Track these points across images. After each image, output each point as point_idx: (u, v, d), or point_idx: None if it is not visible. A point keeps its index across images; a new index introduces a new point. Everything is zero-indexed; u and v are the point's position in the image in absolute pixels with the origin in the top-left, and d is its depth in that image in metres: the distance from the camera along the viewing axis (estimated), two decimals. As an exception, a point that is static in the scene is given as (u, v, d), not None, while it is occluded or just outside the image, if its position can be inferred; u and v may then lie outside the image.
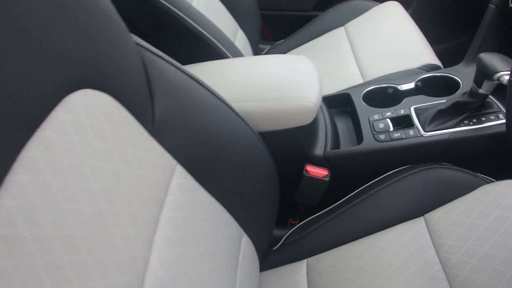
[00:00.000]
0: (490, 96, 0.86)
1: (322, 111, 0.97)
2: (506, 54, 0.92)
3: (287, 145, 0.88)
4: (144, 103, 0.56)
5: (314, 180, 0.85)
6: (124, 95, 0.51)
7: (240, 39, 1.33)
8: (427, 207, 0.82)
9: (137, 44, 0.58)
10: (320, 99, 0.83)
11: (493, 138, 0.85)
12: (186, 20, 0.92)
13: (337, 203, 0.89)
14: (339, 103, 1.04)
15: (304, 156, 0.89)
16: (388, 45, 1.20)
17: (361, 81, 1.13)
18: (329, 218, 0.86)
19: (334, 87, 1.15)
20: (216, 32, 0.97)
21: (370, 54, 1.20)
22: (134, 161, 0.50)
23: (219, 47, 0.96)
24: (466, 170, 0.84)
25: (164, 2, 0.90)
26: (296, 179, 0.88)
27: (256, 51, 1.43)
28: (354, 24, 1.34)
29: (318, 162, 0.89)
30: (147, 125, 0.55)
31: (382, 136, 0.89)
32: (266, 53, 1.45)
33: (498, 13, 0.94)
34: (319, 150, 0.90)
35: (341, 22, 1.37)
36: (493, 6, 0.95)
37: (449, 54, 1.53)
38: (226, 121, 0.69)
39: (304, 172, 0.85)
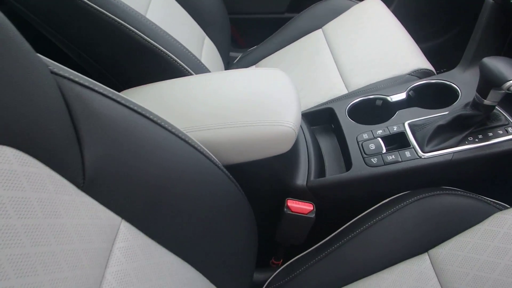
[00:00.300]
0: (496, 107, 0.73)
1: (302, 131, 0.83)
2: (507, 56, 0.80)
3: (263, 178, 0.74)
4: (69, 152, 0.42)
5: (297, 217, 0.71)
6: (39, 148, 0.37)
7: (207, 48, 1.19)
8: (432, 241, 0.69)
9: (54, 73, 0.44)
10: (299, 121, 0.69)
11: (504, 157, 0.72)
12: (138, 35, 0.77)
13: (326, 239, 0.76)
14: (321, 120, 0.91)
15: (284, 189, 0.75)
16: (372, 48, 1.07)
17: (344, 91, 1.00)
18: (317, 259, 0.73)
19: (315, 99, 1.02)
20: (174, 46, 0.82)
21: (353, 59, 1.06)
22: (72, 233, 0.38)
23: (178, 63, 0.82)
24: (474, 195, 0.72)
25: (112, 16, 0.75)
26: (277, 215, 0.74)
27: (227, 60, 1.29)
28: (332, 26, 1.21)
29: (301, 194, 0.76)
30: (77, 180, 0.42)
31: (374, 160, 0.75)
32: (239, 62, 1.31)
33: (497, 9, 0.82)
34: (301, 180, 0.76)
35: (318, 23, 1.23)
36: (491, 1, 0.82)
37: (436, 53, 1.41)
38: (181, 159, 0.55)
39: (285, 209, 0.71)
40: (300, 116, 0.70)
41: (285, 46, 1.24)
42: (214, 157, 0.62)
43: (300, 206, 0.71)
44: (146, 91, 0.74)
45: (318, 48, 1.16)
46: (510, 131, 0.73)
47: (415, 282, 0.66)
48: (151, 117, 0.53)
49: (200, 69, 0.86)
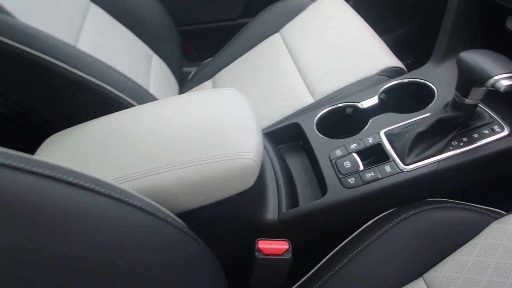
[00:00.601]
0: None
1: (267, 154, 0.73)
2: (481, 47, 0.72)
3: (227, 219, 0.63)
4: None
5: (272, 260, 0.61)
6: None
7: (156, 67, 1.07)
8: (425, 263, 0.62)
9: None
10: (261, 149, 0.59)
11: (493, 159, 0.64)
12: (62, 67, 0.66)
13: (308, 275, 0.66)
14: (288, 137, 0.81)
15: (253, 227, 0.65)
16: (335, 49, 0.98)
17: (310, 100, 0.91)
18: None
19: (279, 111, 0.92)
20: (108, 75, 0.71)
21: (316, 63, 0.97)
22: None
23: (114, 94, 0.70)
24: (465, 205, 0.64)
25: (28, 49, 0.63)
26: (249, 258, 0.64)
27: (180, 77, 1.17)
28: (290, 28, 1.11)
29: (273, 229, 0.66)
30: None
31: (351, 180, 0.66)
32: (194, 77, 1.20)
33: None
34: (271, 214, 0.66)
35: (275, 27, 1.14)
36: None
37: (401, 44, 1.34)
38: (114, 225, 0.44)
39: (257, 253, 0.61)
40: (261, 143, 0.60)
41: (242, 55, 1.14)
42: (162, 208, 0.52)
43: (273, 247, 0.61)
44: (75, 135, 0.62)
45: (277, 54, 1.07)
46: (497, 130, 0.65)
47: (415, 316, 0.58)
48: (69, 179, 0.42)
49: (143, 97, 0.75)
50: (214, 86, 1.11)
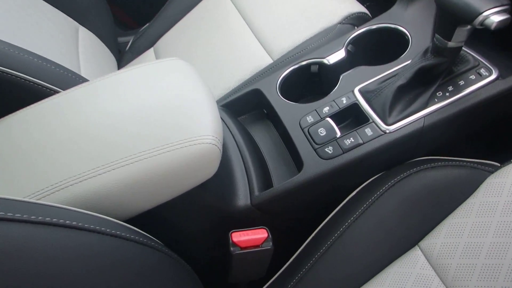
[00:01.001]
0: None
1: (229, 130, 0.63)
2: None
3: (192, 215, 0.53)
4: None
5: (250, 254, 0.52)
6: None
7: (85, 41, 0.92)
8: (420, 230, 0.56)
9: None
10: (220, 128, 0.49)
11: (483, 107, 0.57)
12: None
13: (293, 259, 0.58)
14: (249, 105, 0.70)
15: (224, 219, 0.56)
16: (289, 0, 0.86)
17: (268, 60, 0.80)
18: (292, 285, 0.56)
19: (234, 77, 0.81)
20: (19, 60, 0.56)
21: (270, 18, 0.85)
22: None
23: (31, 83, 0.56)
24: (456, 161, 0.57)
25: None
26: (225, 252, 0.54)
27: (115, 49, 1.02)
28: (235, -20, 0.98)
29: (248, 218, 0.56)
30: None
31: (329, 150, 0.57)
32: (132, 47, 1.04)
33: None
34: (242, 200, 0.56)
35: (217, -19, 0.99)
36: None
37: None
38: (34, 258, 0.33)
39: (232, 248, 0.51)
40: (219, 121, 0.49)
41: (184, 17, 1.00)
42: (108, 218, 0.41)
43: (250, 238, 0.52)
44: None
45: (223, 12, 0.93)
46: (484, 74, 0.58)
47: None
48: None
49: (69, 81, 0.61)
50: (157, 55, 0.97)
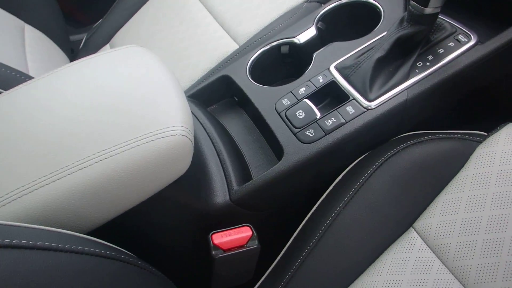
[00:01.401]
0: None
1: (199, 122, 0.57)
2: None
3: (164, 220, 0.48)
4: None
5: (235, 256, 0.47)
6: None
7: (32, 40, 0.84)
8: (414, 210, 0.53)
9: None
10: (190, 117, 0.43)
11: (466, 74, 0.54)
12: None
13: (282, 254, 0.54)
14: (218, 94, 0.65)
15: (202, 220, 0.50)
16: (250, -20, 0.81)
17: (234, 46, 0.75)
18: (282, 286, 0.51)
19: (199, 67, 0.75)
20: None
21: (231, 1, 0.80)
22: None
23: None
24: (443, 134, 0.54)
25: None
26: (207, 259, 0.49)
27: (67, 48, 0.94)
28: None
29: (228, 216, 0.51)
30: None
31: (310, 133, 0.53)
32: (86, 45, 0.97)
33: None
34: (221, 196, 0.51)
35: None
36: None
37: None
38: None
39: (214, 251, 0.46)
40: (189, 110, 0.44)
41: (139, 9, 0.93)
42: (63, 231, 0.35)
43: (233, 238, 0.47)
44: None
45: (183, 0, 0.87)
46: (463, 40, 0.55)
47: (415, 274, 0.48)
48: None
49: (13, 81, 0.54)
50: (113, 51, 0.90)
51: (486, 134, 0.53)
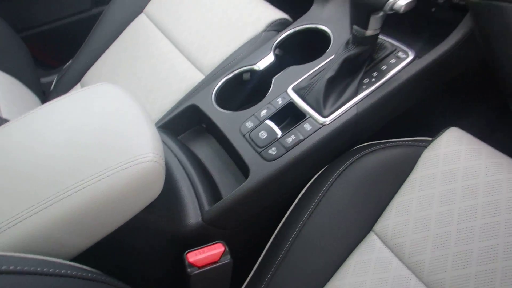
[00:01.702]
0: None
1: (170, 150, 0.61)
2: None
3: (139, 244, 0.50)
4: None
5: (209, 271, 0.50)
6: None
7: (4, 85, 0.86)
8: (372, 214, 0.57)
9: None
10: (160, 144, 0.47)
11: (407, 86, 0.60)
12: None
13: (255, 269, 0.57)
14: (187, 123, 0.69)
15: (176, 241, 0.53)
16: (211, 14, 0.87)
17: (200, 76, 0.79)
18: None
19: (168, 99, 0.79)
20: None
21: (195, 35, 0.86)
22: None
23: None
24: (393, 142, 0.59)
25: None
26: (183, 278, 0.52)
27: (38, 91, 0.97)
28: (155, 4, 0.97)
29: (202, 235, 0.55)
30: None
31: (272, 151, 0.57)
32: (57, 86, 1.00)
33: None
34: (193, 218, 0.54)
35: (137, 7, 0.99)
36: None
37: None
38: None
39: (189, 269, 0.49)
40: (159, 138, 0.48)
41: (107, 48, 0.97)
42: (46, 258, 0.37)
43: (206, 255, 0.50)
44: None
45: (148, 37, 0.92)
46: (402, 56, 0.62)
47: (376, 274, 0.52)
48: None
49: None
50: (85, 90, 0.93)
51: (430, 139, 0.59)
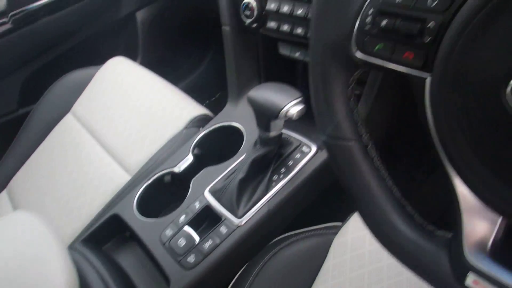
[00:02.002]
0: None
1: (92, 267, 0.61)
2: (267, 75, 0.74)
3: None
4: None
5: None
6: None
7: None
8: None
9: None
10: (72, 276, 0.48)
11: (314, 178, 0.65)
12: None
13: None
14: (111, 232, 0.70)
15: None
16: (136, 113, 0.90)
17: (126, 177, 0.81)
18: None
19: (93, 203, 0.79)
20: None
21: (121, 135, 0.88)
22: None
23: None
24: (305, 232, 0.63)
25: None
26: None
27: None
28: (81, 104, 1.00)
29: None
30: None
31: (190, 259, 0.59)
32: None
33: (237, 34, 0.75)
34: None
35: (63, 108, 1.00)
36: (227, 28, 0.75)
37: (196, 89, 1.35)
38: None
39: None
40: (70, 269, 0.48)
41: (34, 151, 0.97)
42: None
43: None
44: None
45: (75, 138, 0.94)
46: (305, 151, 0.67)
47: None
48: None
49: None
50: (11, 199, 0.92)
51: (341, 224, 0.63)
